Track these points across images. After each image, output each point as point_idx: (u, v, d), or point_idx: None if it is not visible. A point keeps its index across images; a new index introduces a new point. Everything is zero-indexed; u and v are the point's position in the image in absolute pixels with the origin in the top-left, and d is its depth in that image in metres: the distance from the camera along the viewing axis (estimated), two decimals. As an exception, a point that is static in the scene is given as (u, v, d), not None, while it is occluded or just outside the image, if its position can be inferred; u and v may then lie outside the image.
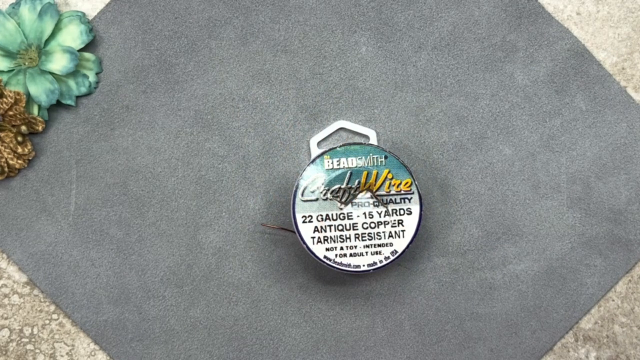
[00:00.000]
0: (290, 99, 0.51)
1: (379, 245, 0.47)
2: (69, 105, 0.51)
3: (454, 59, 0.51)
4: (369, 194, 0.47)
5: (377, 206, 0.47)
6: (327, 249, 0.47)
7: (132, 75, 0.51)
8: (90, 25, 0.50)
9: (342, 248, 0.47)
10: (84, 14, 0.50)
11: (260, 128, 0.51)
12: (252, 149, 0.51)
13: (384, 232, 0.47)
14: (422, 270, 0.50)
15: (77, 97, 0.51)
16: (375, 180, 0.47)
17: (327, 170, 0.47)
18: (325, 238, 0.47)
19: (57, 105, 0.51)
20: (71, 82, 0.50)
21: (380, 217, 0.47)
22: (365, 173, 0.47)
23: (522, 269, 0.50)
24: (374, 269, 0.47)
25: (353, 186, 0.47)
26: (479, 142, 0.51)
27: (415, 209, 0.47)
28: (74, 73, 0.50)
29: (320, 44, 0.51)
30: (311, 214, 0.47)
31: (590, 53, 0.51)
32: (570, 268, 0.50)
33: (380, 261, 0.47)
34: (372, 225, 0.47)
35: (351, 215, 0.47)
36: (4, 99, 0.48)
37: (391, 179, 0.47)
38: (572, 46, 0.51)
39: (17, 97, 0.48)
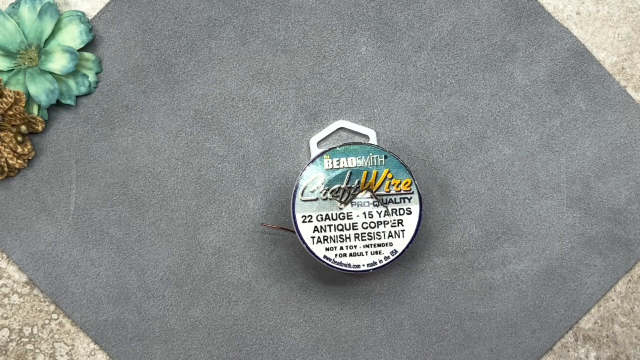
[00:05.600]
0: (290, 99, 0.51)
1: (379, 245, 0.47)
2: (69, 105, 0.51)
3: (454, 59, 0.51)
4: (369, 194, 0.47)
5: (377, 206, 0.47)
6: (327, 249, 0.47)
7: (132, 75, 0.51)
8: (90, 25, 0.50)
9: (342, 248, 0.47)
10: (84, 14, 0.50)
11: (260, 128, 0.51)
12: (252, 149, 0.51)
13: (384, 232, 0.47)
14: (422, 270, 0.50)
15: (77, 97, 0.51)
16: (375, 180, 0.47)
17: (327, 170, 0.47)
18: (325, 238, 0.47)
19: (57, 105, 0.51)
20: (71, 82, 0.50)
21: (380, 217, 0.47)
22: (365, 173, 0.47)
23: (522, 269, 0.50)
24: (374, 269, 0.47)
25: (353, 186, 0.47)
26: (479, 142, 0.51)
27: (415, 209, 0.47)
28: (74, 73, 0.50)
29: (320, 44, 0.51)
30: (311, 214, 0.47)
31: (590, 53, 0.51)
32: (570, 268, 0.50)
33: (380, 261, 0.47)
34: (372, 225, 0.47)
35: (351, 215, 0.47)
36: (4, 99, 0.48)
37: (391, 179, 0.47)
38: (572, 46, 0.51)
39: (17, 97, 0.48)
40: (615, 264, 0.50)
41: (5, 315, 0.50)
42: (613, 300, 0.50)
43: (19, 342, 0.50)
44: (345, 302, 0.50)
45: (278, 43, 0.51)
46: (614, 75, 0.51)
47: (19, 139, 0.49)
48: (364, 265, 0.47)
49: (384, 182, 0.47)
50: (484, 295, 0.50)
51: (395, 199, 0.47)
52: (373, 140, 0.50)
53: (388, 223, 0.47)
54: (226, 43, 0.51)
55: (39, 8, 0.49)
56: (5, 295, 0.51)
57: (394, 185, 0.47)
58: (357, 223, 0.47)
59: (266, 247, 0.50)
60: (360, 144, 0.47)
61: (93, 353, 0.50)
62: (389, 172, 0.47)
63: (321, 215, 0.47)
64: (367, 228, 0.47)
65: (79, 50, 0.51)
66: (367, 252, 0.47)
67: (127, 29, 0.51)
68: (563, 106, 0.51)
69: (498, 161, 0.51)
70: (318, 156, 0.47)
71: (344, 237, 0.47)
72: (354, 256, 0.47)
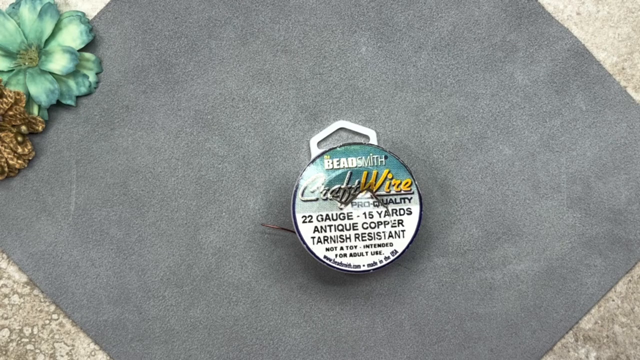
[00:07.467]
0: (290, 99, 0.51)
1: (379, 245, 0.47)
2: (69, 105, 0.51)
3: (454, 59, 0.51)
4: (369, 194, 0.47)
5: (377, 206, 0.47)
6: (327, 249, 0.47)
7: (132, 75, 0.51)
8: (90, 25, 0.50)
9: (342, 248, 0.47)
10: (84, 14, 0.50)
11: (260, 128, 0.51)
12: (252, 149, 0.51)
13: (384, 232, 0.47)
14: (422, 270, 0.50)
15: (77, 97, 0.51)
16: (375, 180, 0.47)
17: (327, 170, 0.47)
18: (325, 238, 0.47)
19: (57, 105, 0.51)
20: (71, 82, 0.50)
21: (380, 217, 0.47)
22: (365, 173, 0.47)
23: (522, 269, 0.50)
24: (374, 269, 0.47)
25: (353, 186, 0.47)
26: (479, 142, 0.51)
27: (415, 209, 0.47)
28: (74, 73, 0.50)
29: (320, 44, 0.51)
30: (311, 214, 0.47)
31: (590, 53, 0.51)
32: (570, 268, 0.50)
33: (380, 261, 0.47)
34: (372, 225, 0.47)
35: (351, 215, 0.47)
36: (4, 99, 0.48)
37: (391, 179, 0.47)
38: (572, 46, 0.51)
39: (17, 97, 0.48)
40: (615, 264, 0.50)
41: (5, 315, 0.50)
42: (613, 300, 0.50)
43: (19, 342, 0.50)
44: (345, 302, 0.50)
45: (278, 43, 0.51)
46: (614, 75, 0.51)
47: (19, 139, 0.49)
48: (364, 265, 0.47)
49: (384, 182, 0.47)
50: (484, 295, 0.50)
51: (395, 199, 0.47)
52: (373, 140, 0.50)
53: (388, 223, 0.47)
54: (226, 43, 0.51)
55: (39, 8, 0.49)
56: (5, 295, 0.51)
57: (394, 185, 0.47)
58: (357, 223, 0.47)
59: (266, 247, 0.50)
60: (360, 144, 0.47)
61: (93, 353, 0.50)
62: (389, 172, 0.47)
63: (321, 215, 0.47)
64: (367, 228, 0.47)
65: (79, 50, 0.51)
66: (367, 252, 0.47)
67: (127, 29, 0.51)
68: (563, 106, 0.51)
69: (498, 161, 0.51)
70: (318, 156, 0.47)
71: (344, 237, 0.47)
72: (354, 256, 0.47)
